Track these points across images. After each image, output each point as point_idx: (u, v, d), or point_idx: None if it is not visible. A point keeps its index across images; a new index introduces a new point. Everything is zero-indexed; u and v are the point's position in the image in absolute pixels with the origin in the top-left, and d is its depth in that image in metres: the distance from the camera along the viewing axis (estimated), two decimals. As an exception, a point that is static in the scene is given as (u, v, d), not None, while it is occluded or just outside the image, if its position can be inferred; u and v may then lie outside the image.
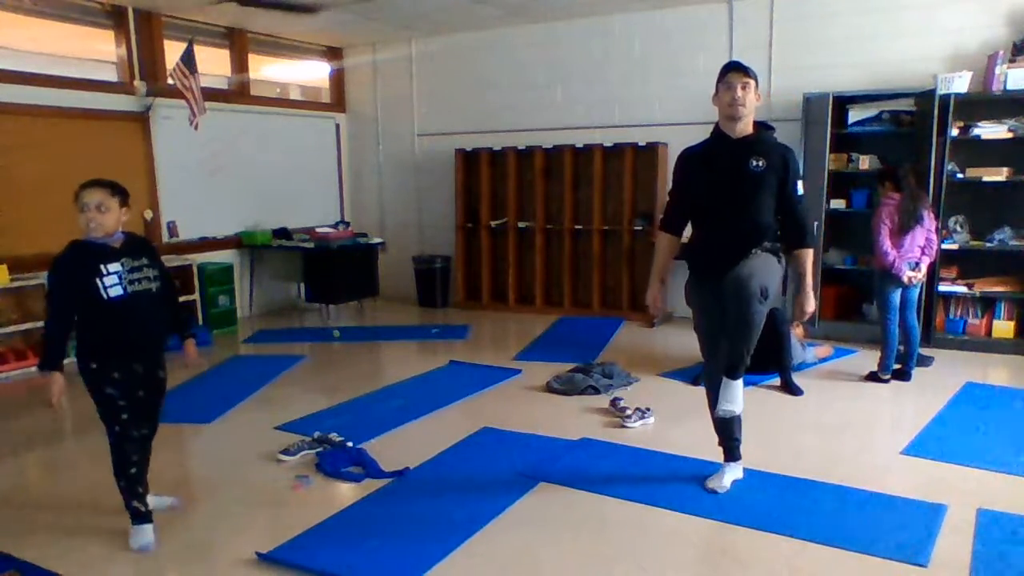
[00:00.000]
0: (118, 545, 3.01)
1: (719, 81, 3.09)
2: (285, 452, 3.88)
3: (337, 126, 8.82)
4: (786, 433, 4.19)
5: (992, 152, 5.65)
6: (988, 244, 5.71)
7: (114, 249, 2.94)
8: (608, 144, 7.26)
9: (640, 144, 7.12)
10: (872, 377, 5.08)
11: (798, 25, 6.39)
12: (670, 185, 3.37)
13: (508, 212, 7.84)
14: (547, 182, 7.67)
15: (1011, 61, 5.51)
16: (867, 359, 5.36)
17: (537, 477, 3.56)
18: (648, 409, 4.39)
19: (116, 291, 2.87)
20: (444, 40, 8.01)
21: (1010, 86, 5.48)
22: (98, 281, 2.84)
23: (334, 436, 3.98)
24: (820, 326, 6.19)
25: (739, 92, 3.02)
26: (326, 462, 3.72)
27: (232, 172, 7.49)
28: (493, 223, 7.92)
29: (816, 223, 6.11)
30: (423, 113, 8.37)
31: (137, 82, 6.64)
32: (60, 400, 2.86)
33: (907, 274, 4.85)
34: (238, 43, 7.57)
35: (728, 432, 3.38)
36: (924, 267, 4.95)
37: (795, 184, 3.13)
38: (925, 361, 5.37)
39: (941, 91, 5.57)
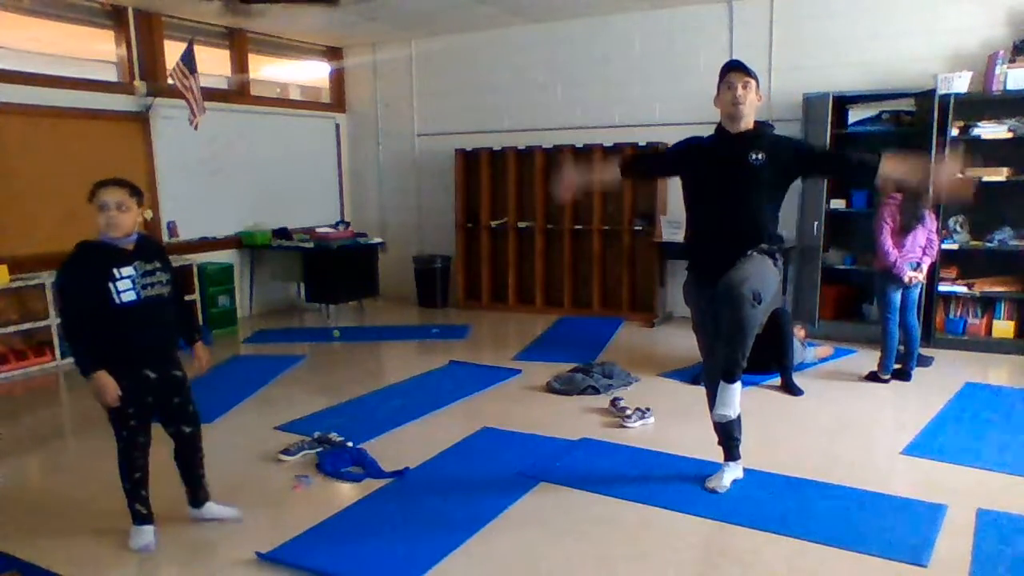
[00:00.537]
0: (118, 545, 3.01)
1: (720, 81, 3.09)
2: (285, 452, 3.89)
3: (337, 126, 8.82)
4: (786, 433, 4.19)
5: (992, 152, 5.65)
6: (988, 244, 5.71)
7: (127, 251, 2.87)
8: (608, 144, 7.26)
9: (640, 144, 7.10)
10: (872, 377, 5.08)
11: (798, 25, 6.39)
12: (668, 182, 3.37)
13: (508, 212, 7.84)
14: (547, 182, 7.66)
15: (1011, 61, 5.51)
16: (867, 359, 5.36)
17: (537, 477, 3.56)
18: (648, 409, 4.39)
19: (129, 296, 2.81)
20: (444, 40, 8.01)
21: (1010, 86, 5.48)
22: (110, 285, 2.78)
23: (334, 436, 3.98)
24: (820, 326, 6.19)
25: (740, 91, 3.02)
26: (326, 462, 3.72)
27: (232, 172, 7.49)
28: (493, 223, 7.92)
29: (816, 223, 6.12)
30: (423, 113, 8.38)
31: (137, 82, 6.64)
32: (116, 396, 2.79)
33: (908, 274, 4.85)
34: (238, 43, 7.57)
35: (728, 432, 3.38)
36: (925, 267, 4.95)
37: (805, 145, 3.09)
38: (925, 361, 5.37)
39: (941, 91, 5.57)
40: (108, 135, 6.45)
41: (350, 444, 3.94)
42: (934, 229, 5.01)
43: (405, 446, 4.02)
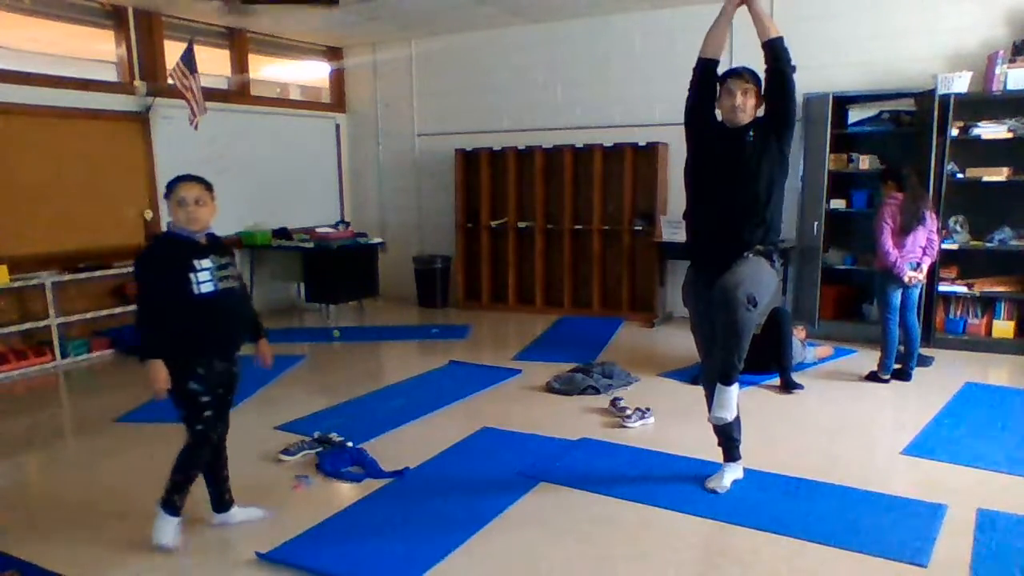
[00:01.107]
0: (118, 545, 3.01)
1: (720, 86, 3.11)
2: (285, 452, 3.89)
3: (337, 126, 8.82)
4: (786, 433, 4.19)
5: (992, 152, 5.65)
6: (988, 244, 5.71)
7: (203, 245, 2.93)
8: (608, 144, 7.26)
9: (640, 144, 7.12)
10: (872, 377, 5.08)
11: (798, 25, 6.36)
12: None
13: (508, 212, 7.84)
14: (547, 182, 7.67)
15: (1011, 61, 5.51)
16: (867, 359, 5.36)
17: (537, 477, 3.56)
18: (648, 409, 4.39)
19: (208, 287, 2.86)
20: (444, 40, 8.01)
21: (1010, 86, 5.48)
22: (191, 276, 2.83)
23: (334, 436, 3.99)
24: (820, 326, 6.19)
25: (739, 99, 3.05)
26: (326, 462, 3.72)
27: (232, 172, 7.47)
28: (493, 223, 7.92)
29: (816, 223, 6.12)
30: (423, 113, 8.38)
31: (137, 82, 6.64)
32: (165, 388, 2.82)
33: (908, 274, 4.85)
34: (238, 43, 7.57)
35: (727, 433, 3.38)
36: (925, 268, 4.95)
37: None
38: (925, 361, 5.37)
39: (941, 91, 5.57)
40: (108, 135, 6.44)
41: (350, 444, 3.94)
42: (934, 229, 5.01)
43: (405, 446, 4.02)
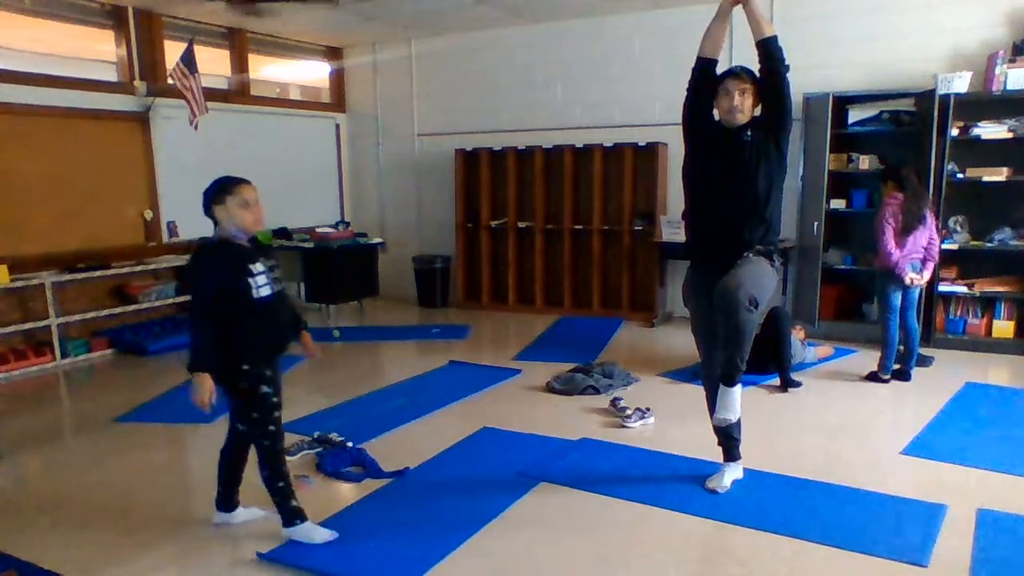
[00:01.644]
0: (118, 545, 3.01)
1: (718, 86, 3.11)
2: (285, 452, 3.87)
3: (337, 126, 8.83)
4: (786, 433, 4.19)
5: (992, 152, 5.65)
6: (988, 244, 5.71)
7: (251, 249, 2.90)
8: (608, 144, 7.26)
9: (640, 144, 7.12)
10: (872, 377, 5.08)
11: (798, 25, 6.38)
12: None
13: (508, 212, 7.84)
14: (547, 182, 7.67)
15: (1011, 61, 5.51)
16: (867, 359, 5.36)
17: (537, 477, 3.56)
18: (648, 409, 4.39)
19: (265, 291, 2.83)
20: (444, 40, 8.01)
21: (1010, 86, 5.48)
22: (250, 280, 2.79)
23: (334, 436, 3.98)
24: (820, 326, 6.19)
25: (737, 99, 3.06)
26: (326, 462, 3.72)
27: (232, 172, 7.41)
28: (493, 223, 7.92)
29: (816, 223, 6.12)
30: (423, 113, 8.38)
31: (137, 82, 6.64)
32: (208, 401, 2.75)
33: (909, 275, 4.85)
34: (238, 43, 7.57)
35: (727, 433, 3.38)
36: (927, 272, 4.94)
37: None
38: (925, 361, 5.37)
39: (941, 91, 5.57)
40: (108, 135, 6.44)
41: (350, 444, 3.94)
42: (935, 229, 5.01)
43: (405, 446, 4.02)
